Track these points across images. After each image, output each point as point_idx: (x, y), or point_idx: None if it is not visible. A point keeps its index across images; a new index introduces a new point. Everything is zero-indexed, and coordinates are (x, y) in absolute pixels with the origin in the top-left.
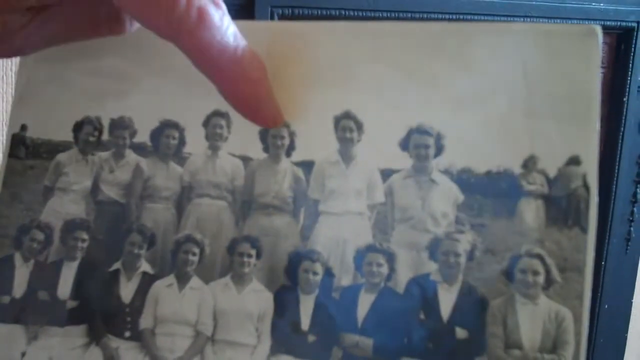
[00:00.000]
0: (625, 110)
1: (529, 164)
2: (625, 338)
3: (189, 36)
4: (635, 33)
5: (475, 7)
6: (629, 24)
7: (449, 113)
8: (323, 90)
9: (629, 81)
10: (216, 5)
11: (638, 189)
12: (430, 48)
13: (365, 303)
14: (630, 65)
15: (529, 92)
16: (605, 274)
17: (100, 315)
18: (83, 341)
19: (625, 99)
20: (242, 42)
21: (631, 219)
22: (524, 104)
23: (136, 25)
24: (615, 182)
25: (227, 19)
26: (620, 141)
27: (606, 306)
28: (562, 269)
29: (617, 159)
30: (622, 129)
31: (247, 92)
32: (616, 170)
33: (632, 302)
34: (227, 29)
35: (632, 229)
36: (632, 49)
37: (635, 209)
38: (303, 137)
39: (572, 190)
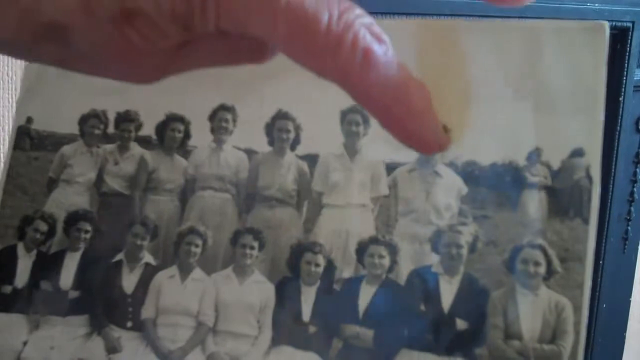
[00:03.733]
0: (621, 110)
1: (533, 156)
2: (624, 337)
3: (354, 77)
4: (630, 33)
5: (470, 9)
6: (624, 24)
7: (455, 106)
8: (330, 84)
9: (624, 81)
10: (380, 41)
11: (635, 188)
12: (436, 43)
13: (366, 294)
14: (626, 65)
15: (535, 86)
16: (603, 273)
17: (102, 305)
18: (85, 331)
19: (621, 99)
20: (405, 72)
21: (628, 218)
22: (529, 98)
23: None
24: (612, 182)
25: (390, 51)
26: (616, 141)
27: (604, 305)
28: (563, 259)
29: (614, 159)
30: (618, 128)
31: (414, 125)
32: (613, 170)
33: (630, 301)
34: (392, 63)
35: (629, 228)
36: (628, 48)
37: (632, 209)
38: (309, 131)
39: (575, 181)
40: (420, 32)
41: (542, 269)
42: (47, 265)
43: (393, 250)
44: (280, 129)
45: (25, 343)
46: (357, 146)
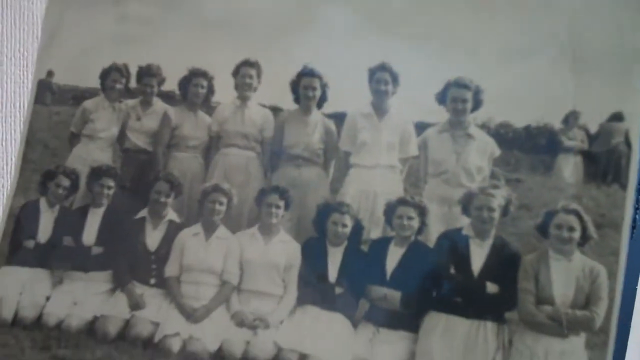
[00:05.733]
0: None
1: (570, 119)
2: (629, 326)
3: None
4: None
5: None
6: None
7: (491, 67)
8: (358, 40)
9: None
10: None
11: None
12: (475, 1)
13: (394, 256)
14: None
15: (577, 47)
16: None
17: (126, 262)
18: (107, 287)
19: None
20: None
21: (637, 206)
22: (570, 59)
23: None
24: None
25: None
26: None
27: None
28: (599, 225)
29: None
30: None
31: None
32: None
33: (636, 290)
34: None
35: (637, 216)
36: None
37: (639, 198)
38: (336, 89)
39: (613, 146)
40: None
41: (576, 235)
42: (69, 221)
43: (422, 212)
44: (306, 86)
45: (48, 298)
46: (385, 105)
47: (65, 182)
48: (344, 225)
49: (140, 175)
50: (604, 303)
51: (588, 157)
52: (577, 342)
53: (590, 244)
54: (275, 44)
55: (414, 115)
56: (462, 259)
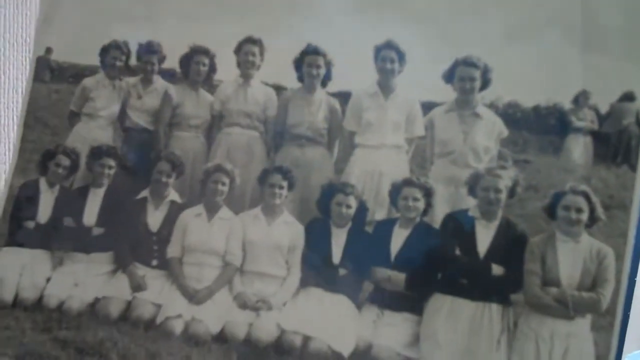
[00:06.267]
0: None
1: (580, 99)
2: (628, 316)
3: None
4: None
5: None
6: None
7: (500, 45)
8: (364, 17)
9: None
10: None
11: None
12: None
13: (399, 238)
14: None
15: (586, 24)
16: None
17: (127, 243)
18: (109, 268)
19: None
20: None
21: None
22: (579, 37)
23: None
24: None
25: None
26: None
27: None
28: (607, 206)
29: None
30: None
31: None
32: None
33: (635, 281)
34: None
35: None
36: None
37: None
38: (340, 67)
39: (624, 127)
40: None
41: (584, 216)
42: (70, 201)
43: (428, 193)
44: (310, 64)
45: (48, 279)
46: (391, 84)
47: (65, 162)
48: (348, 206)
49: (141, 155)
50: (610, 285)
51: (598, 138)
52: (583, 324)
53: (599, 225)
54: (278, 21)
55: (420, 95)
56: (468, 240)
